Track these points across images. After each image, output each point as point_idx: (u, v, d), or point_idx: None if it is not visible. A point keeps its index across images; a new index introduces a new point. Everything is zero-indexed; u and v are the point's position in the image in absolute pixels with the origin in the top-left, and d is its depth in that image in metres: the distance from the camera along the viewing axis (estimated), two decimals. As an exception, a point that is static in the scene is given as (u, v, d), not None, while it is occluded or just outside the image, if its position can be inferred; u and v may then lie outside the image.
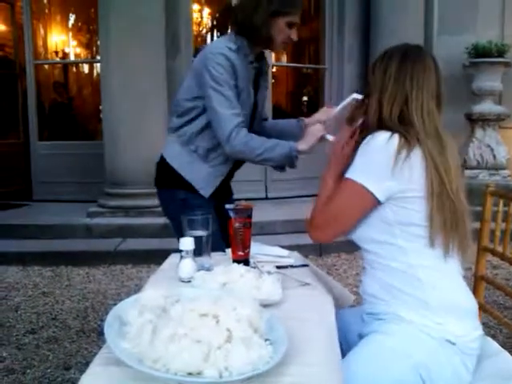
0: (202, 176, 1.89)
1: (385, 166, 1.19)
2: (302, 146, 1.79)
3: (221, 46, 1.79)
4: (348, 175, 1.25)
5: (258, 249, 1.60)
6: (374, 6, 5.43)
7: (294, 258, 1.63)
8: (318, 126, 1.82)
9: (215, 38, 8.09)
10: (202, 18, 7.51)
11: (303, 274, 1.44)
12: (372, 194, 1.21)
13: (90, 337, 2.65)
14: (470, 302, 1.27)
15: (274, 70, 6.35)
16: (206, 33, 7.79)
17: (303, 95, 7.66)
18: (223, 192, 1.98)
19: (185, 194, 1.90)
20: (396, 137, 1.20)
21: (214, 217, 1.71)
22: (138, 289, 3.07)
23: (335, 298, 1.31)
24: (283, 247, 1.72)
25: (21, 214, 4.92)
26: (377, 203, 1.22)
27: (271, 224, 4.45)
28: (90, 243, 4.22)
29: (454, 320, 1.21)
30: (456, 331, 1.19)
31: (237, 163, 1.99)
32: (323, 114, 1.90)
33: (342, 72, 5.76)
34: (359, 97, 1.57)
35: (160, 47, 4.59)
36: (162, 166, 1.97)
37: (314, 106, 6.48)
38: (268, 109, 5.49)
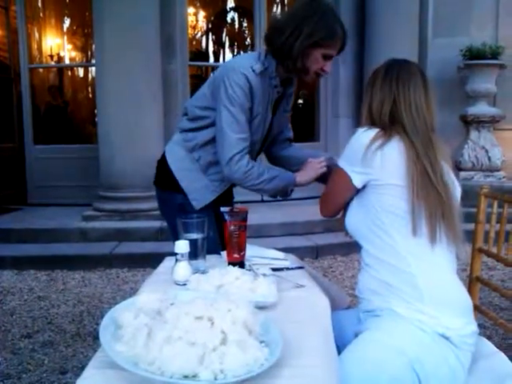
0: (197, 187, 1.84)
1: (357, 154, 1.31)
2: (301, 179, 1.80)
3: (245, 64, 1.70)
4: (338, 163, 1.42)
5: (254, 251, 1.60)
6: (369, 8, 5.45)
7: (290, 260, 1.63)
8: (319, 161, 1.81)
9: (210, 40, 8.14)
10: (197, 21, 7.55)
11: (299, 276, 1.44)
12: (349, 177, 1.35)
13: (85, 341, 2.64)
14: (462, 296, 1.29)
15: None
16: (202, 36, 7.83)
17: (298, 98, 7.67)
18: (224, 197, 1.91)
19: (183, 198, 1.85)
20: (373, 129, 1.33)
21: (213, 221, 1.71)
22: (133, 292, 3.06)
23: (331, 300, 1.31)
24: (279, 250, 1.72)
25: (16, 218, 4.90)
26: (354, 188, 1.35)
27: (267, 227, 4.45)
28: (86, 247, 4.21)
29: (446, 313, 1.22)
30: (449, 324, 1.21)
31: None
32: (329, 160, 1.85)
33: (338, 74, 5.77)
34: None
35: (155, 50, 4.60)
36: (163, 166, 1.92)
37: (310, 109, 6.49)
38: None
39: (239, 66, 1.70)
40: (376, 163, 1.29)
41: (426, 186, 1.26)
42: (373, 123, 1.38)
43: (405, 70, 1.38)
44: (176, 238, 1.43)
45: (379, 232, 1.31)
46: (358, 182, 1.34)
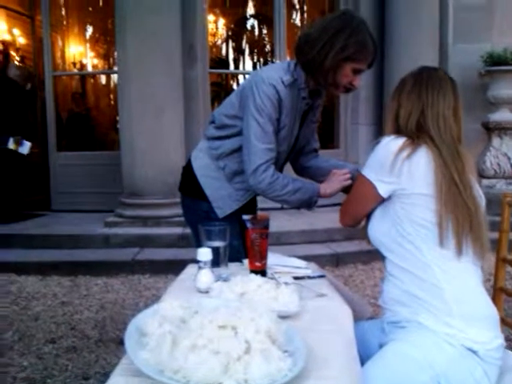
0: (222, 195, 1.85)
1: (385, 163, 1.29)
2: (326, 191, 1.79)
3: (275, 76, 1.70)
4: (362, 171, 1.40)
5: (276, 259, 1.61)
6: (388, 14, 5.43)
7: (311, 268, 1.63)
8: (344, 172, 1.80)
9: (230, 48, 8.19)
10: (217, 28, 7.60)
11: (320, 285, 1.44)
12: (375, 187, 1.32)
13: (108, 347, 2.67)
14: (490, 309, 1.27)
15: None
16: (222, 43, 7.88)
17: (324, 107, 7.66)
18: (248, 206, 1.92)
19: (208, 206, 1.86)
20: (401, 138, 1.30)
21: (237, 230, 1.71)
22: (155, 299, 3.09)
23: (353, 310, 1.31)
24: (299, 257, 1.72)
25: (40, 224, 4.98)
26: (380, 197, 1.33)
27: (287, 234, 4.45)
28: (108, 253, 4.25)
29: (474, 327, 1.20)
30: (477, 338, 1.19)
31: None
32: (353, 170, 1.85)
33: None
34: None
35: (176, 58, 4.65)
36: (188, 173, 1.92)
37: (330, 116, 6.48)
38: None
39: (269, 77, 1.70)
40: (404, 172, 1.27)
41: (453, 196, 1.24)
42: (398, 132, 1.36)
43: (434, 80, 1.36)
44: (199, 244, 1.45)
45: (404, 242, 1.29)
46: (384, 191, 1.32)
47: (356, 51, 1.64)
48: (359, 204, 1.43)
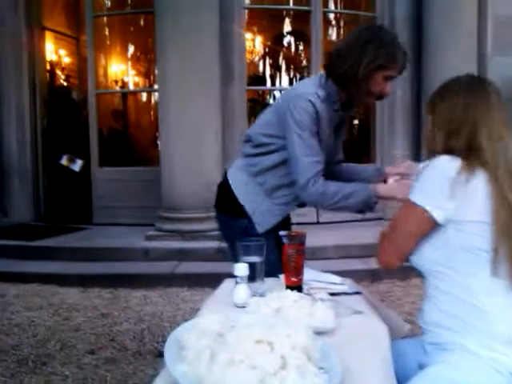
0: (262, 211, 1.88)
1: (443, 188, 1.18)
2: (385, 192, 1.77)
3: (310, 91, 1.75)
4: (409, 197, 1.26)
5: (311, 275, 1.61)
6: (425, 26, 5.39)
7: (347, 284, 1.63)
8: (408, 183, 1.65)
9: (267, 64, 8.28)
10: (254, 46, 7.70)
11: (356, 302, 1.44)
12: (430, 214, 1.21)
13: (146, 359, 2.71)
14: None
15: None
16: (259, 60, 7.97)
17: (354, 118, 7.63)
18: (286, 221, 1.97)
19: (246, 223, 1.89)
20: (457, 160, 1.20)
21: (275, 244, 1.70)
22: (192, 312, 3.13)
23: (389, 327, 1.30)
24: (335, 272, 1.72)
25: (82, 237, 5.13)
26: (435, 224, 1.22)
27: (323, 249, 4.43)
28: (147, 266, 4.34)
29: None
30: None
31: (301, 204, 1.95)
32: (407, 167, 1.86)
33: (394, 94, 5.71)
34: None
35: (214, 76, 4.74)
36: (225, 190, 1.96)
37: (366, 130, 6.45)
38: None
39: (304, 93, 1.75)
40: (463, 198, 1.18)
41: (509, 223, 1.16)
42: (447, 150, 1.25)
43: (486, 92, 1.28)
44: (236, 259, 1.48)
45: (452, 269, 1.23)
46: (442, 218, 1.20)
47: (387, 60, 1.69)
48: (410, 236, 1.27)
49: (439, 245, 1.23)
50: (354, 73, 1.70)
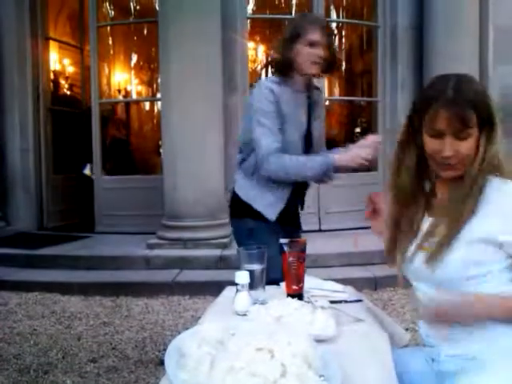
0: (266, 203, 2.02)
1: None
2: (341, 159, 1.90)
3: (266, 82, 2.02)
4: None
5: (312, 283, 1.62)
6: (428, 36, 5.42)
7: (349, 292, 1.63)
8: (366, 151, 1.88)
9: (269, 73, 8.31)
10: (256, 55, 7.74)
11: (357, 310, 1.44)
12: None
13: (147, 367, 2.71)
14: None
15: (327, 103, 6.40)
16: (261, 69, 7.99)
17: (356, 127, 7.65)
18: (293, 223, 2.14)
19: (252, 223, 2.03)
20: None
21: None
22: (194, 320, 3.13)
23: (390, 336, 1.30)
24: (337, 280, 1.73)
25: (84, 246, 5.14)
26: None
27: (324, 257, 4.42)
28: (149, 274, 4.34)
29: None
30: None
31: (298, 189, 2.08)
32: (371, 146, 1.93)
33: (396, 103, 5.74)
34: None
35: (217, 85, 4.77)
36: (233, 197, 2.14)
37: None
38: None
39: (261, 84, 2.03)
40: None
41: None
42: (483, 169, 1.16)
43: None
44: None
45: (482, 283, 1.18)
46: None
47: (299, 25, 1.94)
48: None
49: (482, 264, 1.16)
50: (281, 55, 1.98)
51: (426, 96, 1.20)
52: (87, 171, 5.90)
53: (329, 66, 2.01)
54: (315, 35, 1.91)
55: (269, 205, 2.02)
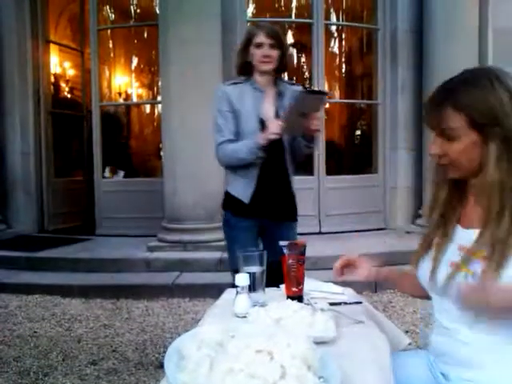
0: (240, 187, 2.31)
1: None
2: (261, 138, 2.17)
3: (221, 85, 2.40)
4: None
5: (312, 285, 1.62)
6: (427, 39, 5.43)
7: (348, 294, 1.63)
8: (276, 123, 2.15)
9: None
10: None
11: (357, 312, 1.44)
12: None
13: (148, 370, 2.71)
14: None
15: (327, 106, 6.41)
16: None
17: (356, 130, 7.66)
18: (270, 212, 2.32)
19: (227, 214, 2.37)
20: None
21: (254, 236, 2.30)
22: (194, 322, 3.13)
23: (389, 339, 1.30)
24: (337, 282, 1.73)
25: (84, 248, 5.15)
26: None
27: (325, 259, 4.41)
28: (150, 277, 4.34)
29: None
30: None
31: (271, 177, 2.30)
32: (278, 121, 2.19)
33: (396, 106, 5.75)
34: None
35: (217, 88, 4.77)
36: (224, 191, 2.43)
37: (368, 141, 6.47)
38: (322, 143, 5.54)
39: (217, 87, 2.36)
40: None
41: None
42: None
43: None
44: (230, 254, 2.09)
45: None
46: None
47: (247, 35, 2.29)
48: None
49: None
50: (241, 60, 2.31)
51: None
52: (107, 173, 5.95)
53: (280, 63, 2.28)
54: (260, 38, 2.23)
55: (241, 189, 2.30)
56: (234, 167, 2.31)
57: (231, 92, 2.26)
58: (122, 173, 6.22)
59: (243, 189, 2.29)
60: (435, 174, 1.22)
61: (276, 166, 2.29)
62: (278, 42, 2.25)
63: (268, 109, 2.26)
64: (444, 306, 1.21)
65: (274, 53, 2.24)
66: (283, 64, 2.30)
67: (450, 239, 1.20)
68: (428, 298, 1.30)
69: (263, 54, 2.23)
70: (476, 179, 1.12)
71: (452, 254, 1.17)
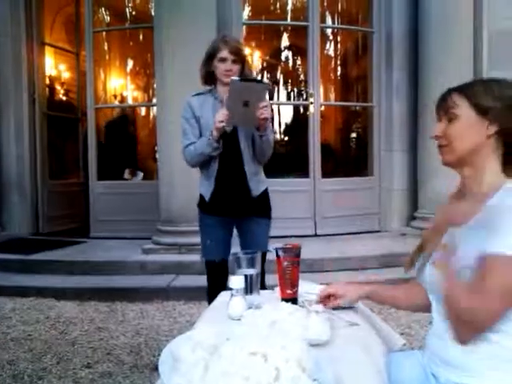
0: (204, 187, 2.58)
1: None
2: (213, 132, 2.38)
3: (187, 96, 2.59)
4: (496, 249, 1.04)
5: (307, 287, 1.62)
6: (422, 42, 5.45)
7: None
8: (221, 112, 2.33)
9: (265, 79, 8.35)
10: (252, 61, 7.76)
11: (352, 314, 1.44)
12: None
13: (142, 372, 2.70)
14: None
15: (323, 108, 6.43)
16: (257, 75, 8.02)
17: (352, 132, 7.68)
18: (229, 210, 2.55)
19: (198, 211, 2.65)
20: None
21: (223, 235, 2.59)
22: (189, 325, 3.12)
23: (384, 340, 1.30)
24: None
25: (79, 251, 5.13)
26: None
27: (320, 261, 4.43)
28: (144, 279, 4.33)
29: None
30: None
31: (230, 177, 2.51)
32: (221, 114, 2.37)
33: (391, 109, 5.77)
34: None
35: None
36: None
37: (363, 143, 6.49)
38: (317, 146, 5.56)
39: (185, 99, 2.59)
40: None
41: None
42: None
43: None
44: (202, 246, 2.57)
45: None
46: None
47: (211, 50, 2.49)
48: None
49: None
50: (205, 71, 2.55)
51: None
52: (127, 175, 5.96)
53: (240, 75, 2.46)
54: (224, 53, 2.43)
55: (205, 188, 2.56)
56: (200, 167, 2.58)
57: (194, 102, 2.53)
58: (140, 174, 6.22)
59: (206, 188, 2.56)
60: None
61: (233, 167, 2.51)
62: (240, 58, 2.48)
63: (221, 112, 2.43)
64: (439, 306, 1.23)
65: (235, 67, 2.47)
66: (243, 74, 2.51)
67: (440, 239, 1.23)
68: (428, 310, 1.31)
69: (226, 69, 2.45)
70: (468, 168, 1.22)
71: (436, 253, 1.22)
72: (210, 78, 2.54)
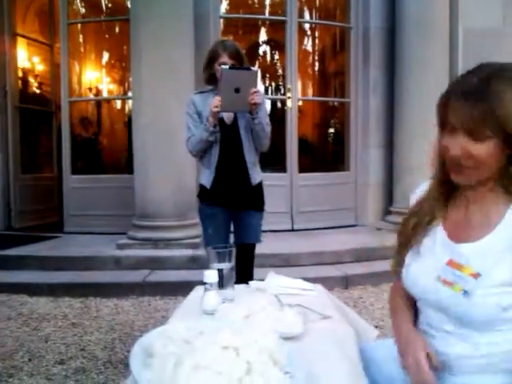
0: (205, 176, 2.70)
1: None
2: (209, 118, 2.53)
3: (191, 93, 2.82)
4: None
5: (281, 281, 1.62)
6: (400, 38, 5.50)
7: (318, 290, 1.64)
8: (215, 99, 2.48)
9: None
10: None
11: (325, 307, 1.45)
12: None
13: (117, 368, 2.68)
14: None
15: (301, 103, 6.44)
16: (234, 69, 8.01)
17: (329, 127, 7.72)
18: (229, 201, 2.67)
19: (199, 203, 2.76)
20: None
21: (224, 224, 2.72)
22: (164, 320, 3.10)
23: (358, 333, 1.31)
24: (308, 279, 1.74)
25: (52, 246, 5.04)
26: None
27: (296, 256, 4.44)
28: (119, 275, 4.28)
29: None
30: None
31: (229, 166, 2.65)
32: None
33: (368, 105, 5.81)
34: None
35: (189, 84, 4.71)
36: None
37: (340, 139, 6.53)
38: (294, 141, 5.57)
39: (187, 97, 2.77)
40: None
41: None
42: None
43: None
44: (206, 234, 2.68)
45: None
46: None
47: (211, 55, 2.65)
48: None
49: None
50: (207, 74, 2.71)
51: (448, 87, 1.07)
52: None
53: None
54: (224, 58, 2.59)
55: (206, 176, 2.69)
56: (201, 158, 2.71)
57: (196, 98, 2.71)
58: None
59: (207, 176, 2.68)
60: (439, 172, 1.16)
61: (233, 156, 2.65)
62: (239, 61, 2.64)
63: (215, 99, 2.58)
64: (435, 317, 1.15)
65: None
66: None
67: (434, 246, 1.16)
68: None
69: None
70: (485, 188, 1.08)
71: (443, 270, 1.11)
72: (212, 79, 2.70)
